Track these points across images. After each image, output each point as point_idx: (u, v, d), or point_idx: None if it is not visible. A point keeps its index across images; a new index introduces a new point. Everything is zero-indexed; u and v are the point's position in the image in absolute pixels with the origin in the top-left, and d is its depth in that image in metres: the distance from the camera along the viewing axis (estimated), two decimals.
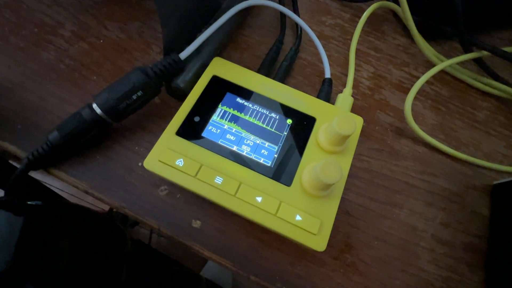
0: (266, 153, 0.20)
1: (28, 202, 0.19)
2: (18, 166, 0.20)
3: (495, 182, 0.23)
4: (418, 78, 0.25)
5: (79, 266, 0.20)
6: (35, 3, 0.27)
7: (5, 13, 0.26)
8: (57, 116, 0.22)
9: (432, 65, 0.28)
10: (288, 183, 0.19)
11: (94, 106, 0.19)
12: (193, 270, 0.51)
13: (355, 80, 0.27)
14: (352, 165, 0.23)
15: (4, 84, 0.23)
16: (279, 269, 0.19)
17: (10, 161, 0.27)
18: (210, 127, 0.20)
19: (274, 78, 0.24)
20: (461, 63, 0.28)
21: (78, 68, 0.24)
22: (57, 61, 0.24)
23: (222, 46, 0.25)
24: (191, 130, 0.20)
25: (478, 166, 0.24)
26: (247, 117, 0.21)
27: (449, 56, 0.29)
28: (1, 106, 0.22)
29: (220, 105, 0.21)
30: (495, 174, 0.24)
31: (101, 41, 0.26)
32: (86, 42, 0.25)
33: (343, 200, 0.22)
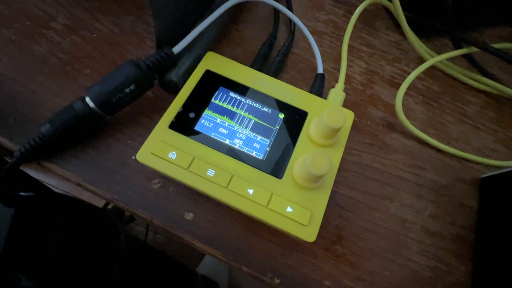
0: (258, 146, 0.20)
1: (20, 193, 0.19)
2: (9, 159, 0.20)
3: (483, 176, 0.24)
4: (409, 73, 0.25)
5: (70, 257, 0.20)
6: None
7: None
8: (50, 109, 0.22)
9: (424, 61, 0.28)
10: (279, 175, 0.19)
11: (87, 99, 0.19)
12: (189, 267, 0.51)
13: (347, 75, 0.27)
14: (343, 159, 0.23)
15: None
16: (270, 259, 0.20)
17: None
18: (203, 121, 0.21)
19: (267, 73, 0.24)
20: (452, 59, 0.29)
21: (71, 61, 0.24)
22: (49, 54, 0.24)
23: (216, 40, 0.26)
24: (184, 124, 0.20)
25: (467, 160, 0.25)
26: (239, 111, 0.21)
27: (440, 52, 0.29)
28: None
29: (213, 99, 0.21)
30: (483, 168, 0.25)
31: (94, 34, 0.26)
32: (79, 36, 0.25)
33: (334, 193, 0.22)
